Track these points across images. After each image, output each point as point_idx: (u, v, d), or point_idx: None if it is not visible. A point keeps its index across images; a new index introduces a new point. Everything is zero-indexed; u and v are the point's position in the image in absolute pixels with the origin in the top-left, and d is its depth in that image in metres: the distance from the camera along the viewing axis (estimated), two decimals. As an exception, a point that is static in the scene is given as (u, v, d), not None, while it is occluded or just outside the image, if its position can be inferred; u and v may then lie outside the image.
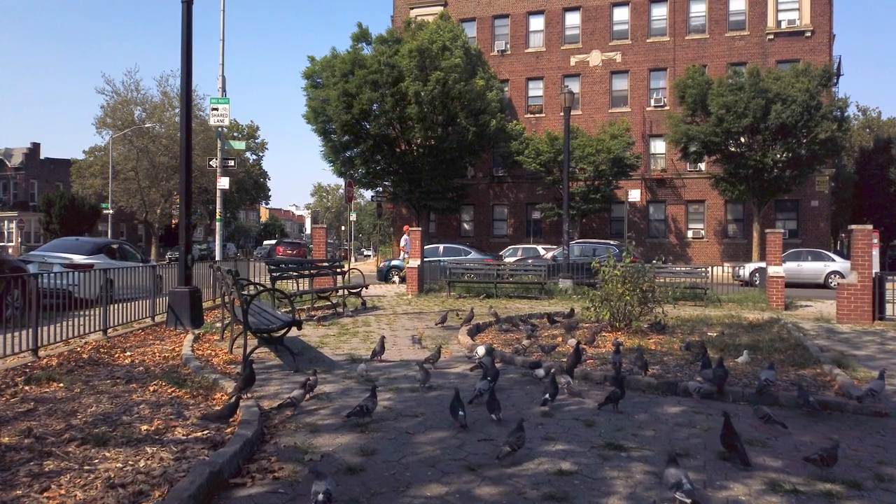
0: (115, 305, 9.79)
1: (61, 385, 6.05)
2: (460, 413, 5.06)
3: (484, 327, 10.93)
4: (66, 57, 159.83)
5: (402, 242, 20.07)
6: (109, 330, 9.54)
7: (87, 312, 9.07)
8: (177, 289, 10.54)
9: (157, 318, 11.02)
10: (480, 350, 7.48)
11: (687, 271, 17.86)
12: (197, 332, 9.74)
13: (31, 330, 7.46)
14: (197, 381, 6.13)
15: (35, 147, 57.98)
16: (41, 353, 7.72)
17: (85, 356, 7.63)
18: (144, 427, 4.71)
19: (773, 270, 16.21)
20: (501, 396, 5.71)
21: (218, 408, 5.12)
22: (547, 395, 5.59)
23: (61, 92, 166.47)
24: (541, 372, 6.61)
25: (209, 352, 8.14)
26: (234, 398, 4.82)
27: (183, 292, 10.39)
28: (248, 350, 6.79)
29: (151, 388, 5.96)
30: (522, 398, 6.00)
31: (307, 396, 5.60)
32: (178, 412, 5.15)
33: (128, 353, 7.90)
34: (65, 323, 8.44)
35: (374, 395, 5.27)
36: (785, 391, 6.21)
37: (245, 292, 8.02)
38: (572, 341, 8.65)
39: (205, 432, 4.64)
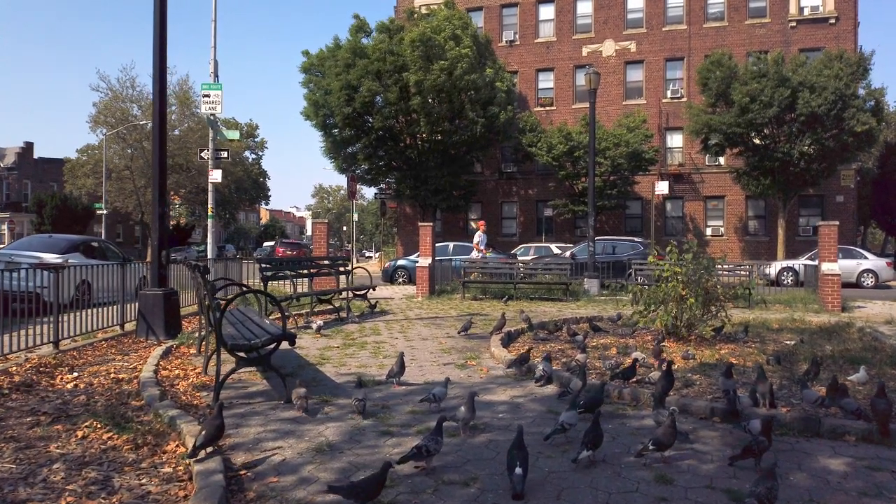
0: (75, 313, 8.10)
1: (-41, 427, 4.32)
2: (517, 471, 3.31)
3: (515, 335, 9.16)
4: (60, 56, 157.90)
5: (477, 239, 18.38)
6: (67, 340, 7.86)
7: (48, 320, 7.51)
8: (149, 291, 8.80)
9: (128, 326, 9.29)
10: (541, 366, 5.73)
11: (728, 269, 16.08)
12: (171, 343, 7.99)
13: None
14: (146, 422, 4.34)
15: (28, 146, 56.19)
16: (-36, 374, 6.02)
17: (17, 378, 5.89)
18: (41, 513, 2.98)
19: (827, 267, 14.49)
20: (573, 442, 4.00)
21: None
22: (651, 444, 3.84)
23: (55, 91, 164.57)
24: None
25: (178, 371, 6.35)
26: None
27: (156, 295, 8.65)
28: (222, 376, 4.90)
29: (80, 433, 4.17)
30: (608, 444, 4.20)
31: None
32: (105, 478, 3.40)
33: (74, 374, 6.16)
34: (17, 333, 6.86)
35: (439, 432, 3.70)
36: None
37: (222, 296, 6.23)
38: (637, 354, 6.93)
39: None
